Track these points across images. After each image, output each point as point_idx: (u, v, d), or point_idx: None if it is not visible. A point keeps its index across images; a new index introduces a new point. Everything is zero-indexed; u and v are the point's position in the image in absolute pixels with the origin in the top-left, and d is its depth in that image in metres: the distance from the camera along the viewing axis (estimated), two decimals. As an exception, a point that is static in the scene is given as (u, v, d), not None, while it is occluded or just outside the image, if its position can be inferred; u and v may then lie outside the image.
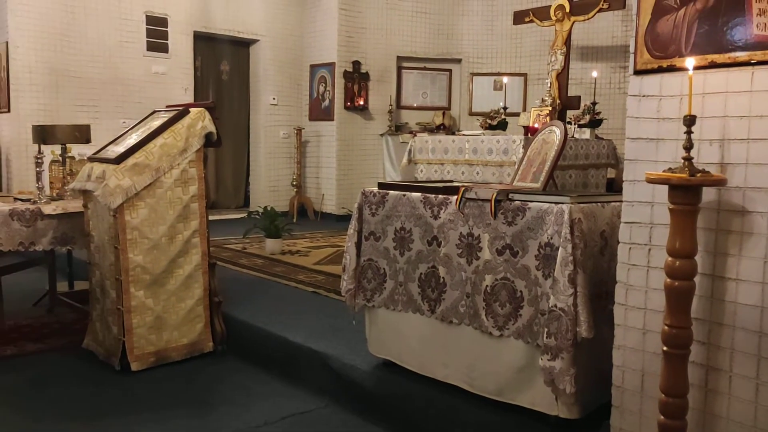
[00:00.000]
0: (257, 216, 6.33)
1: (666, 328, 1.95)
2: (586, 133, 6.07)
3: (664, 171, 1.92)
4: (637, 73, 2.16)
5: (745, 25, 1.91)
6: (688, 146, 1.88)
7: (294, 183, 8.87)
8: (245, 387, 3.41)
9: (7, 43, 6.90)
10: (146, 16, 7.78)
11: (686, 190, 1.87)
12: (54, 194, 4.23)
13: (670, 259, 1.93)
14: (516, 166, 3.13)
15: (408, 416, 2.91)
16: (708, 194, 1.98)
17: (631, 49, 2.17)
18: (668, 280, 1.93)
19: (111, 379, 3.48)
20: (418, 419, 2.86)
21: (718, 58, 1.96)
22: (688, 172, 1.84)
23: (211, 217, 3.87)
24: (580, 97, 6.77)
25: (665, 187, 1.95)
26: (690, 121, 1.87)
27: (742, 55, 1.91)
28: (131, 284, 3.50)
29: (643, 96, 2.16)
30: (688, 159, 1.87)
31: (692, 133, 1.88)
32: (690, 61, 1.91)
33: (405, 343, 3.00)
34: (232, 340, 3.89)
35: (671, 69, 2.07)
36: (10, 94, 6.94)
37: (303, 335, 3.60)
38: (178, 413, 3.09)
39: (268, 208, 6.26)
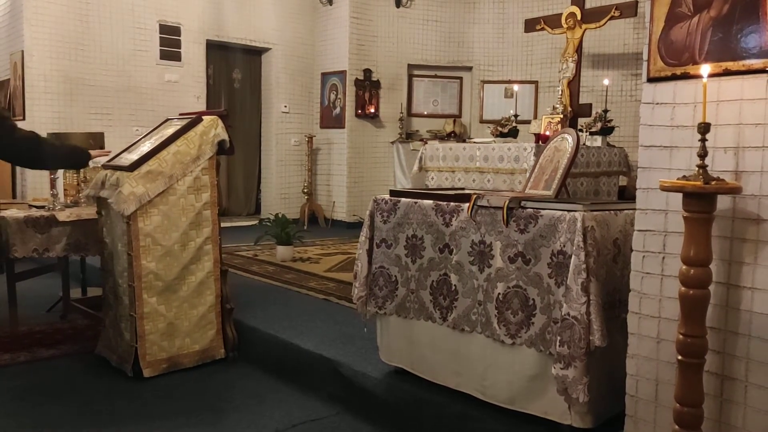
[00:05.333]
0: (268, 223, 6.35)
1: (681, 337, 1.94)
2: (598, 141, 6.05)
3: (678, 179, 1.91)
4: (650, 80, 2.16)
5: (760, 32, 1.90)
6: (703, 154, 1.87)
7: (305, 190, 8.90)
8: (257, 394, 3.41)
9: (22, 52, 6.99)
10: (159, 24, 7.86)
11: (701, 198, 1.86)
12: (68, 201, 4.27)
13: (684, 267, 1.92)
14: (528, 174, 3.13)
15: (419, 424, 2.90)
16: (723, 202, 1.96)
17: (644, 56, 2.17)
18: (683, 288, 1.92)
19: (123, 385, 3.49)
20: (430, 427, 2.85)
21: (733, 65, 1.95)
22: (702, 180, 1.83)
23: (222, 224, 3.89)
24: (591, 104, 6.76)
25: (679, 195, 1.94)
26: (704, 128, 1.86)
27: (756, 63, 1.90)
28: (144, 291, 3.52)
29: (657, 104, 2.15)
30: (703, 167, 1.86)
31: (707, 140, 1.88)
32: (705, 69, 1.90)
33: (417, 350, 2.99)
34: (244, 347, 3.90)
35: (685, 76, 2.06)
36: (25, 102, 7.02)
37: (314, 342, 3.60)
38: (190, 420, 3.10)
39: (279, 216, 6.28)
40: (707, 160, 1.88)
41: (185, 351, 3.69)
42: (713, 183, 1.83)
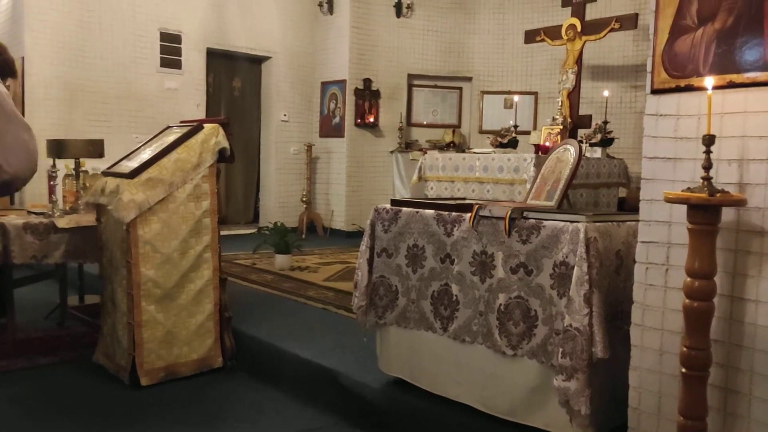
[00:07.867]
0: (267, 232, 6.33)
1: (684, 349, 1.93)
2: (598, 152, 6.07)
3: (683, 190, 1.90)
4: (654, 92, 2.16)
5: (764, 45, 1.90)
6: (708, 166, 1.87)
7: (304, 199, 8.88)
8: (254, 403, 3.38)
9: (23, 58, 6.98)
10: (160, 32, 7.86)
11: (705, 210, 1.86)
12: (67, 208, 4.25)
13: (688, 279, 1.91)
14: (529, 184, 3.12)
15: (419, 435, 2.88)
16: (727, 214, 1.96)
17: (648, 68, 2.17)
18: (687, 300, 1.91)
19: (120, 393, 3.47)
20: (430, 439, 2.83)
21: (737, 78, 1.95)
22: (707, 192, 1.83)
23: (221, 232, 3.87)
24: (591, 116, 6.77)
25: (683, 207, 1.94)
26: (709, 140, 1.86)
27: (761, 75, 1.90)
28: (142, 298, 3.50)
29: (660, 115, 2.15)
30: (708, 179, 1.86)
31: (711, 152, 1.87)
32: (709, 81, 1.90)
33: (417, 361, 2.97)
34: (242, 356, 3.87)
35: (689, 88, 2.06)
36: (25, 109, 7.00)
37: (313, 352, 3.58)
38: (187, 429, 3.07)
39: (278, 224, 6.26)
40: (711, 172, 1.88)
41: (183, 360, 3.66)
42: (718, 195, 1.83)
